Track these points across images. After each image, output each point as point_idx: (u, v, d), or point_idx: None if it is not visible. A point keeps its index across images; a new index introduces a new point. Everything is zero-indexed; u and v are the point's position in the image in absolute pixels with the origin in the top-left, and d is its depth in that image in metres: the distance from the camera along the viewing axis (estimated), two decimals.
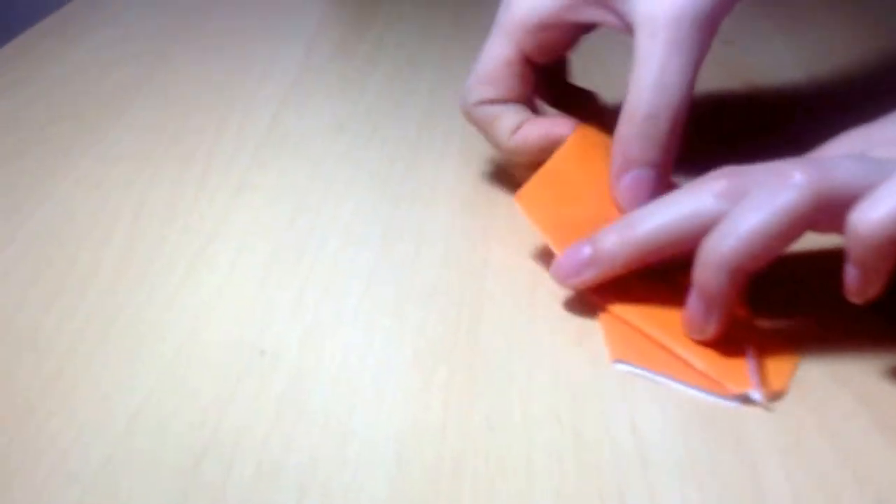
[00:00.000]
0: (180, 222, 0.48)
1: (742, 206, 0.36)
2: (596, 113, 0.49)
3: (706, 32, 0.41)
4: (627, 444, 0.34)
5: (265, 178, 0.52)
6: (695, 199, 0.38)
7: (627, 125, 0.42)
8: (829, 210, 0.35)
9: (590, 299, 0.41)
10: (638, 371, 0.38)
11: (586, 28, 0.47)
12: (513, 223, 0.46)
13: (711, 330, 0.37)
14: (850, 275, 0.35)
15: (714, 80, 0.61)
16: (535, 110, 0.49)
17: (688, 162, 0.44)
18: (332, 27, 0.76)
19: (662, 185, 0.42)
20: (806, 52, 0.66)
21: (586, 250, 0.40)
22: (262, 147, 0.55)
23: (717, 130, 0.55)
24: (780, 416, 0.36)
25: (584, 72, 0.53)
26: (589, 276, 0.40)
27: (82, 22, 0.79)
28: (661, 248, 0.38)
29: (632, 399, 0.36)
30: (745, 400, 0.36)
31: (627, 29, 0.43)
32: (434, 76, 0.65)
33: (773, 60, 0.65)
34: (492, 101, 0.48)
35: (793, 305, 0.41)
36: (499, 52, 0.47)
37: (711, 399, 0.36)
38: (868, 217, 0.33)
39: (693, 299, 0.37)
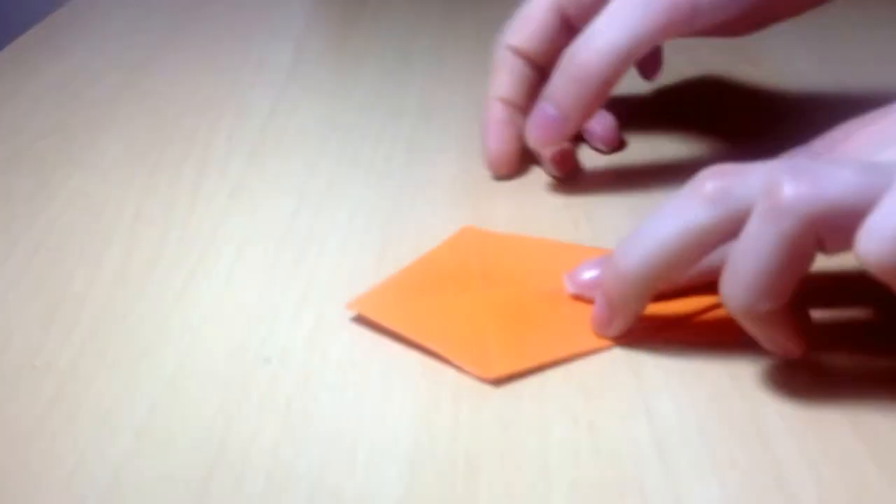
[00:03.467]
0: (177, 230, 0.48)
1: (734, 248, 0.33)
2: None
3: (671, 7, 0.43)
4: (644, 437, 0.34)
5: (261, 180, 0.51)
6: (682, 211, 0.34)
7: (559, 69, 0.45)
8: (829, 229, 0.31)
9: None
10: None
11: None
12: (513, 217, 0.46)
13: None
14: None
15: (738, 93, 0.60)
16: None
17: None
18: (320, 24, 0.75)
19: (568, 136, 0.46)
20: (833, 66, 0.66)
21: (601, 309, 0.38)
22: (256, 148, 0.55)
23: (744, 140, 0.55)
24: (801, 406, 0.35)
25: None
26: (619, 327, 0.38)
27: (64, 33, 0.78)
28: (660, 276, 0.35)
29: (646, 391, 0.36)
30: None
31: None
32: (426, 69, 0.64)
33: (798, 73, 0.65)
34: (519, 53, 0.49)
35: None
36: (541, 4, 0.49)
37: (727, 389, 0.36)
38: (872, 249, 0.30)
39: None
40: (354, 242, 0.46)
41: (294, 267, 0.44)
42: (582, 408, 0.35)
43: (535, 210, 0.48)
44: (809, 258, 0.32)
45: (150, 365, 0.38)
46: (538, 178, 0.51)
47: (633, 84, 0.56)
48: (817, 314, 0.38)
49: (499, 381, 0.36)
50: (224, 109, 0.61)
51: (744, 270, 0.32)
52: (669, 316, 0.39)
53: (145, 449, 0.34)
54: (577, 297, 0.40)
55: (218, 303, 0.42)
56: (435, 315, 0.40)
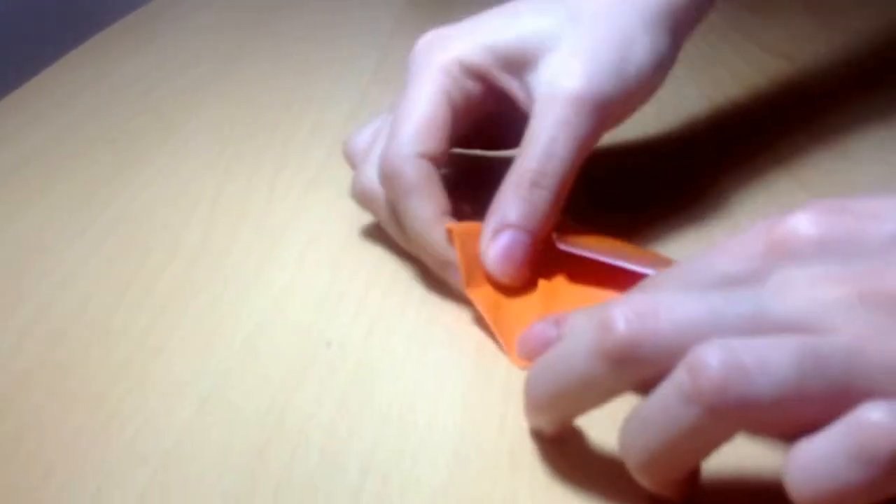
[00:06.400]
0: (254, 216, 0.49)
1: (644, 405, 0.29)
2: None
3: (598, 117, 0.42)
4: None
5: (337, 175, 0.53)
6: (584, 364, 0.30)
7: (511, 189, 0.41)
8: (753, 425, 0.28)
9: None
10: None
11: (497, 105, 0.45)
12: (578, 213, 0.46)
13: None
14: None
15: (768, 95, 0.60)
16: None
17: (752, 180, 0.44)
18: (407, 28, 0.76)
19: (534, 252, 0.41)
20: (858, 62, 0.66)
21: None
22: (335, 144, 0.56)
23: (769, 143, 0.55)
24: None
25: None
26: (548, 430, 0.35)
27: (159, 20, 0.81)
28: (566, 418, 0.34)
29: None
30: None
31: (527, 101, 0.43)
32: None
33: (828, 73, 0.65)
34: (428, 157, 0.43)
35: None
36: (431, 94, 0.43)
37: None
38: (801, 486, 0.26)
39: None
40: None
41: (360, 260, 0.46)
42: (625, 407, 0.35)
43: None
44: (721, 444, 0.29)
45: (219, 340, 0.40)
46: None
47: None
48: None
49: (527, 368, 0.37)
50: (308, 105, 0.62)
51: (643, 441, 0.29)
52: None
53: (208, 417, 0.36)
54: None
55: (287, 288, 0.44)
56: (503, 298, 0.41)
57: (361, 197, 0.46)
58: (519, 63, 0.44)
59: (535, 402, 0.33)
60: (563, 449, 0.34)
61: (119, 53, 0.72)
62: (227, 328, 0.41)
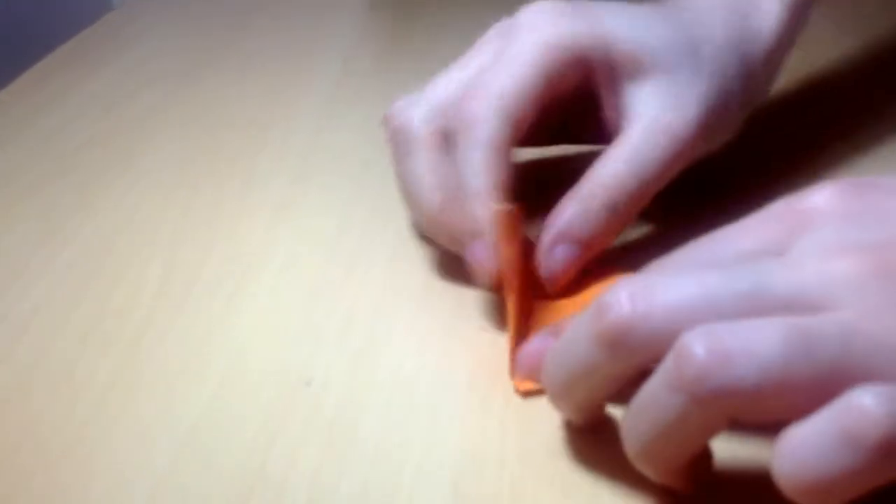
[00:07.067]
0: (221, 246, 0.47)
1: (637, 396, 0.29)
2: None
3: (687, 161, 0.42)
4: None
5: (307, 196, 0.51)
6: (580, 347, 0.30)
7: (581, 203, 0.40)
8: (741, 411, 0.27)
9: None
10: None
11: (572, 99, 0.43)
12: None
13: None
14: None
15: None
16: None
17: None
18: (369, 41, 0.75)
19: (584, 265, 0.40)
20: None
21: None
22: (302, 164, 0.54)
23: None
24: None
25: None
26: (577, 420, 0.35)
27: (108, 43, 0.79)
28: (578, 405, 0.33)
29: None
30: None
31: (617, 110, 0.42)
32: None
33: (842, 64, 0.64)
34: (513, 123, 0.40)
35: None
36: (530, 66, 0.41)
37: None
38: (789, 474, 0.26)
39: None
40: (403, 259, 0.45)
41: (339, 287, 0.43)
42: None
43: None
44: (713, 433, 0.28)
45: (190, 383, 0.38)
46: None
47: None
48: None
49: (527, 395, 0.36)
50: (271, 123, 0.60)
51: (638, 430, 0.29)
52: None
53: (184, 469, 0.34)
54: None
55: (261, 322, 0.41)
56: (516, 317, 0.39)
57: (397, 134, 0.43)
58: (627, 68, 0.42)
59: (551, 390, 0.32)
60: (569, 477, 0.32)
61: (65, 81, 0.70)
62: (197, 370, 0.39)
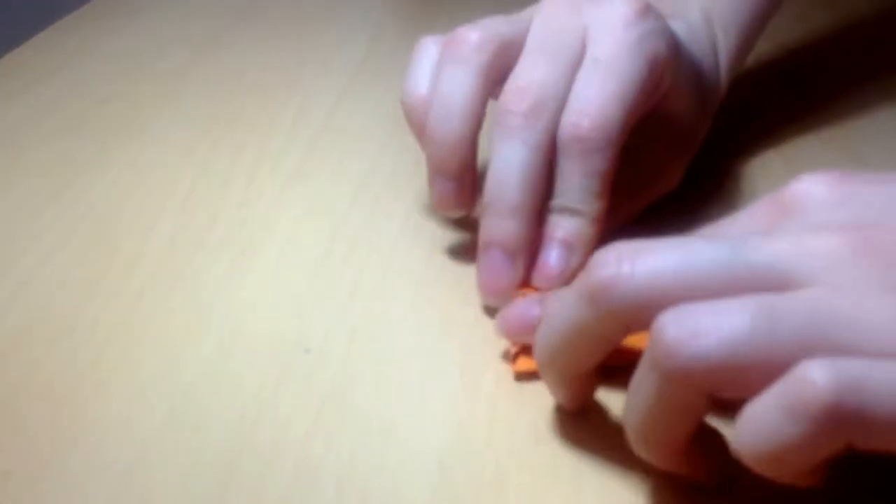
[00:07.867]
0: (229, 211, 0.47)
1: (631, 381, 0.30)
2: None
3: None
4: None
5: (320, 169, 0.51)
6: (568, 306, 0.31)
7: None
8: (717, 385, 0.27)
9: None
10: None
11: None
12: None
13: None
14: None
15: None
16: None
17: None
18: (396, 19, 0.75)
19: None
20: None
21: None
22: (318, 136, 0.54)
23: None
24: None
25: None
26: (565, 401, 0.35)
27: (138, 1, 0.79)
28: (568, 368, 0.33)
29: None
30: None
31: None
32: None
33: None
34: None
35: None
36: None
37: None
38: (747, 444, 0.26)
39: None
40: (409, 239, 0.45)
41: (344, 260, 0.44)
42: (618, 423, 0.34)
43: None
44: (698, 411, 0.28)
45: (189, 343, 0.38)
46: None
47: None
48: None
49: (520, 377, 0.36)
50: (291, 93, 0.60)
51: (632, 415, 0.29)
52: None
53: (176, 428, 0.34)
54: None
55: (264, 288, 0.42)
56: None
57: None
58: None
59: (541, 357, 0.33)
60: (552, 462, 0.33)
61: (93, 34, 0.70)
62: (198, 331, 0.39)
